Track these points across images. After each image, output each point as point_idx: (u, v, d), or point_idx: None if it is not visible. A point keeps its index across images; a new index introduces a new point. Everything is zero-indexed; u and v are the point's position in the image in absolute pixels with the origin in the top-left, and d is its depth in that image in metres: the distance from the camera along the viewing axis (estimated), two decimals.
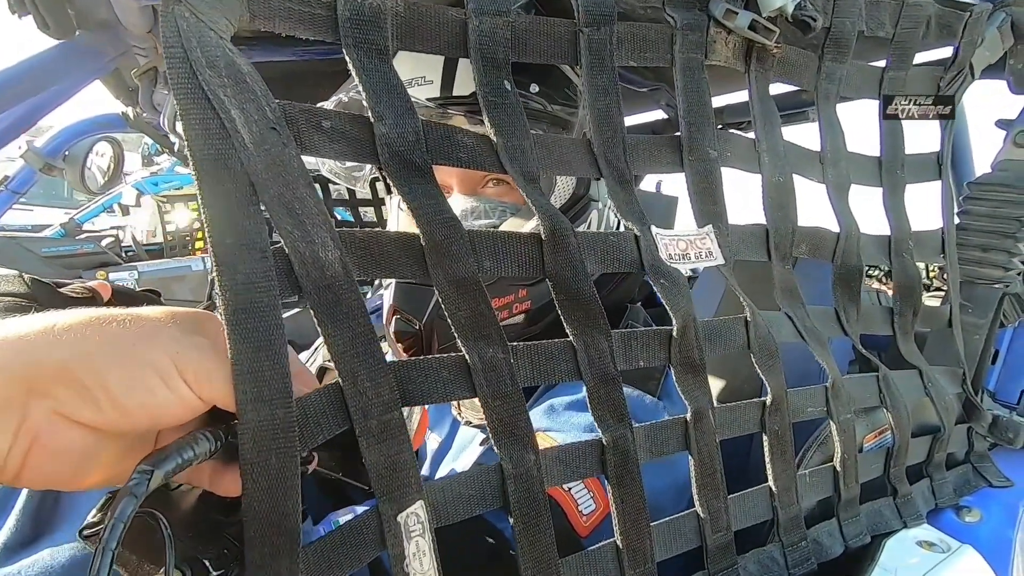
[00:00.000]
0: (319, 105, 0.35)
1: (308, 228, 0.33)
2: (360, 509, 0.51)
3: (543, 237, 0.38)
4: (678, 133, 1.34)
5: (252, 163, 0.31)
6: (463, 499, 0.37)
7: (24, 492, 0.38)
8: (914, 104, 0.56)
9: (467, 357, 0.37)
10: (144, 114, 1.23)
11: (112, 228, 4.45)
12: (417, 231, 0.75)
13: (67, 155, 1.47)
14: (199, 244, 4.10)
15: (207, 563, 0.30)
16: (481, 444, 0.70)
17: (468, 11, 0.37)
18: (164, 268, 4.00)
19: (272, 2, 0.33)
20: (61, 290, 0.53)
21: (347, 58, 0.35)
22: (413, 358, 0.36)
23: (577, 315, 0.40)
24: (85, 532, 0.30)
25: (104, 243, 4.04)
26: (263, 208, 0.32)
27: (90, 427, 0.28)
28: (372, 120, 0.35)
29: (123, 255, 4.13)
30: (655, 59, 0.43)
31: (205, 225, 0.31)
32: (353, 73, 0.35)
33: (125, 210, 4.28)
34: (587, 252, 0.40)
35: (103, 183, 1.62)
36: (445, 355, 0.37)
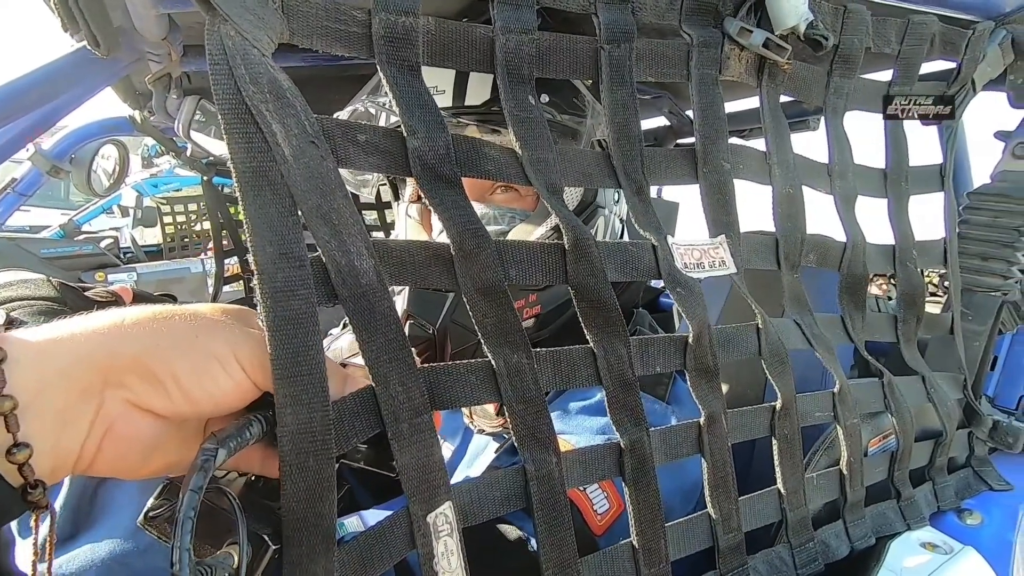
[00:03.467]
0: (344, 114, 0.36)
1: (344, 238, 0.34)
2: (367, 514, 0.52)
3: (566, 247, 0.40)
4: (685, 140, 1.35)
5: (292, 175, 0.32)
6: (488, 500, 0.39)
7: (64, 491, 0.39)
8: (915, 104, 0.57)
9: (492, 362, 0.38)
10: (153, 118, 1.24)
11: (111, 229, 4.45)
12: (427, 238, 0.76)
13: (73, 158, 1.48)
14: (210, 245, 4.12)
15: (266, 537, 0.31)
16: (496, 452, 0.71)
17: (495, 29, 0.39)
18: (163, 270, 4.00)
19: (310, 21, 0.34)
20: (87, 294, 0.55)
21: (381, 74, 0.36)
22: (442, 363, 0.37)
23: (597, 321, 0.41)
24: (151, 514, 0.32)
25: (103, 244, 4.03)
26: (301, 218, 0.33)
27: (157, 415, 0.29)
28: (405, 134, 0.36)
29: (121, 256, 4.13)
30: (672, 75, 0.45)
31: (248, 234, 0.32)
32: (386, 88, 0.36)
33: (124, 212, 4.28)
34: (607, 261, 0.41)
35: (108, 185, 1.63)
36: (472, 361, 0.38)
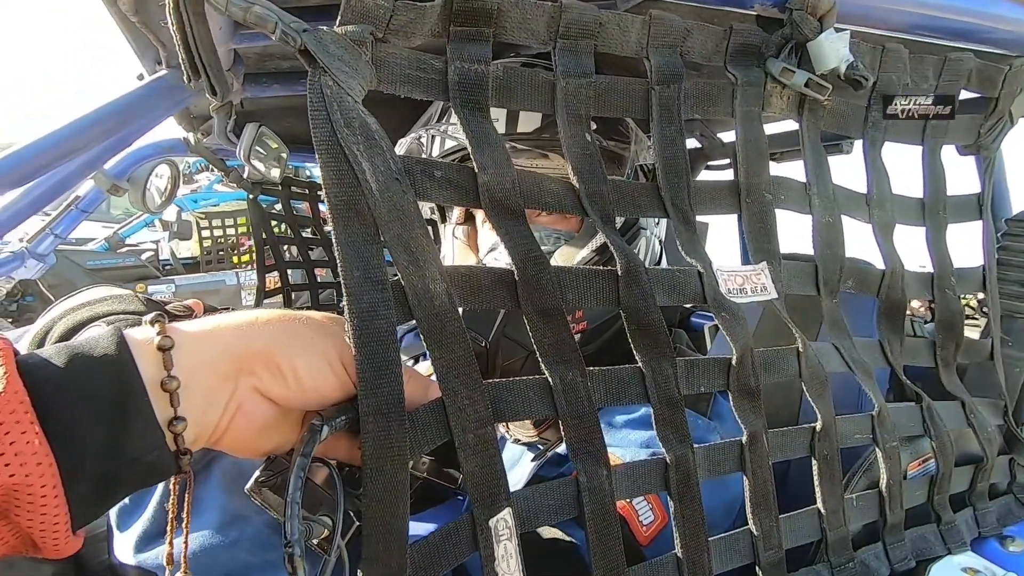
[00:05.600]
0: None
1: (421, 264, 0.37)
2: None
3: (619, 273, 0.43)
4: (715, 162, 1.37)
5: (377, 208, 0.36)
6: (544, 508, 0.41)
7: (159, 488, 0.43)
8: (914, 104, 0.58)
9: (549, 379, 0.41)
10: (206, 140, 1.32)
11: (150, 242, 4.63)
12: (474, 258, 0.80)
13: (130, 177, 1.57)
14: (244, 258, 4.27)
15: (351, 513, 0.35)
16: (532, 460, 0.74)
17: (557, 74, 0.42)
18: (199, 282, 4.14)
19: (395, 70, 0.38)
20: (166, 308, 0.60)
21: (456, 115, 0.40)
22: (503, 379, 0.40)
23: (646, 343, 0.44)
24: (262, 479, 0.36)
25: (143, 257, 4.20)
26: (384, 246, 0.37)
27: (274, 402, 0.34)
28: (476, 169, 0.40)
29: (160, 268, 4.29)
30: (717, 112, 0.48)
31: (338, 260, 0.36)
32: (460, 127, 0.40)
33: (165, 225, 4.45)
34: (657, 286, 0.44)
35: (160, 203, 1.71)
36: (531, 377, 0.41)
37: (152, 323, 0.31)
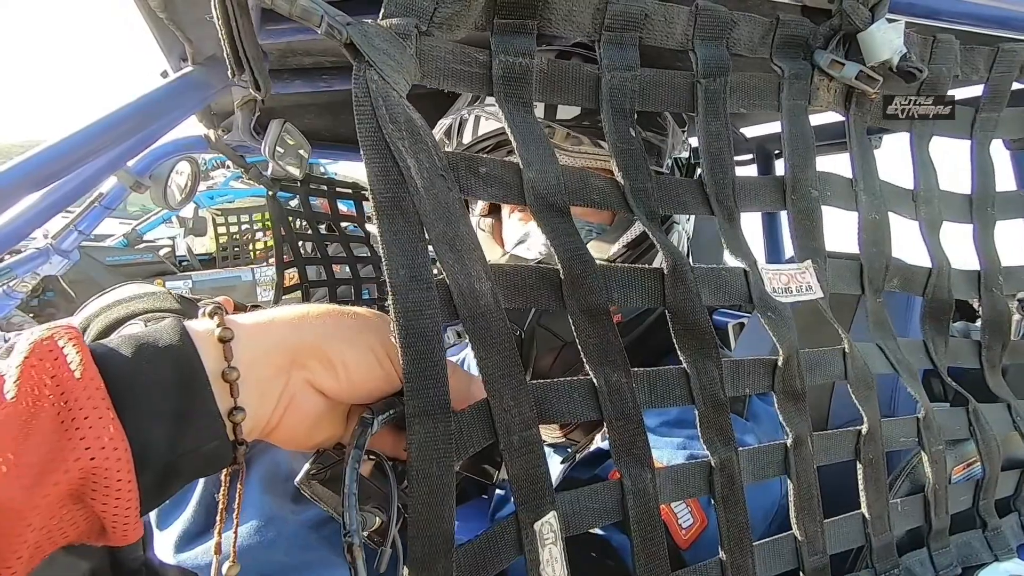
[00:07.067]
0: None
1: (466, 262, 0.37)
2: None
3: (665, 271, 0.42)
4: (739, 156, 1.34)
5: (422, 205, 0.36)
6: (588, 511, 0.40)
7: (199, 488, 0.42)
8: (914, 104, 0.57)
9: (594, 380, 0.40)
10: (227, 136, 1.32)
11: (167, 239, 4.68)
12: (500, 251, 0.79)
13: (152, 174, 1.58)
14: (258, 255, 4.30)
15: (401, 507, 0.35)
16: (562, 463, 0.73)
17: (602, 67, 0.41)
18: (216, 278, 4.18)
19: (439, 64, 0.37)
20: (198, 305, 0.60)
21: (499, 109, 0.39)
22: (548, 380, 0.39)
23: (692, 343, 0.43)
24: (313, 472, 0.36)
25: (161, 253, 4.24)
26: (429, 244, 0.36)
27: (324, 396, 0.34)
28: (520, 166, 0.39)
29: (177, 264, 4.33)
30: (763, 106, 0.47)
31: (383, 259, 0.35)
32: (504, 123, 0.39)
33: (182, 222, 4.49)
34: (702, 285, 0.43)
35: (181, 199, 1.72)
36: (576, 379, 0.40)
37: (211, 315, 0.32)
